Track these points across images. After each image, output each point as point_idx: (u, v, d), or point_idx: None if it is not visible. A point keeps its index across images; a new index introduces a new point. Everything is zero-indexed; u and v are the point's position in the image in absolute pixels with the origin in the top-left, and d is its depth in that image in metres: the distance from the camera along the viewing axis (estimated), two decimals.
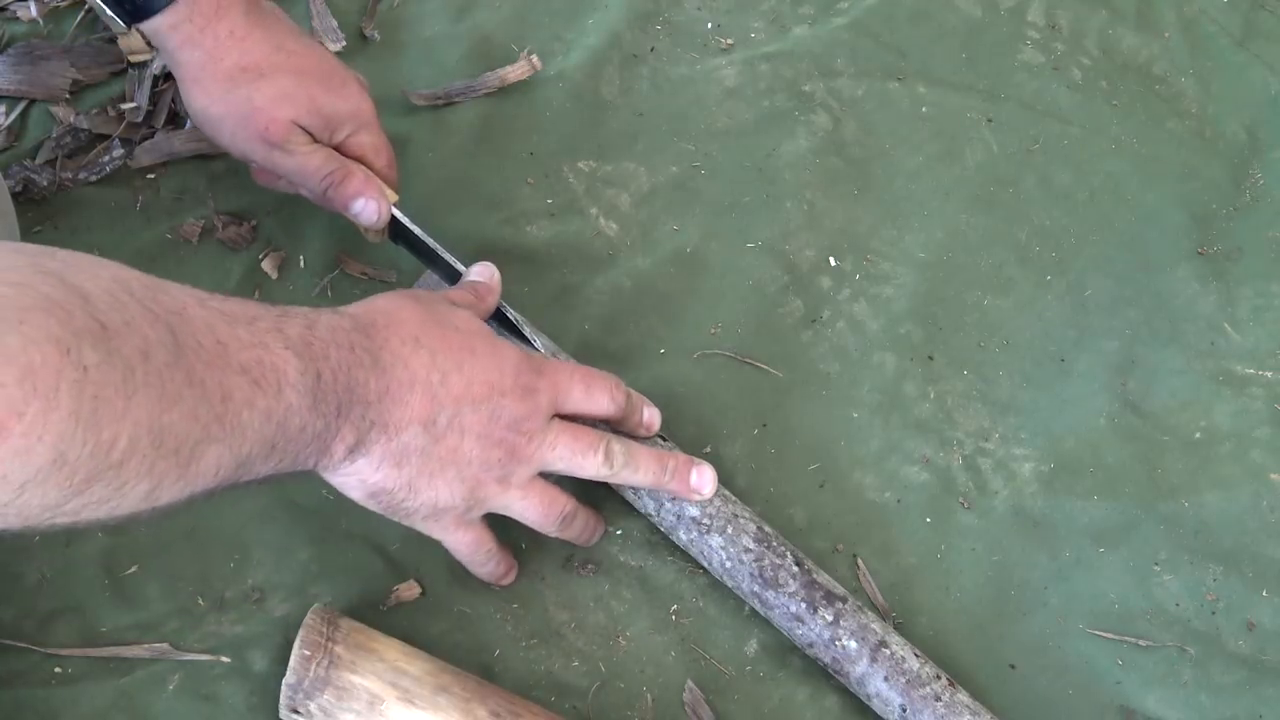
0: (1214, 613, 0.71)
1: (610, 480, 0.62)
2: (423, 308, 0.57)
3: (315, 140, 0.69)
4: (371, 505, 0.57)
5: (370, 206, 0.69)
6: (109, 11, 0.65)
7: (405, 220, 0.70)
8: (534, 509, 0.61)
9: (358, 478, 0.55)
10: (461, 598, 0.66)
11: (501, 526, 0.65)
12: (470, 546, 0.61)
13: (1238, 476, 0.75)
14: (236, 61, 0.66)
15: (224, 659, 0.63)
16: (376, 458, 0.55)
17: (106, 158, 0.77)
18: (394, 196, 0.71)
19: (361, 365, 0.52)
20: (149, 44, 0.79)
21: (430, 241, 0.70)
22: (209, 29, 0.65)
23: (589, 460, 0.60)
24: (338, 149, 0.70)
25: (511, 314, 0.68)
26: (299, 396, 0.49)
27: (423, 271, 0.74)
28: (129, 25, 0.65)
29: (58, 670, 0.62)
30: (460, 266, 0.68)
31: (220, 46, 0.66)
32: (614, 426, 0.64)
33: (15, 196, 0.74)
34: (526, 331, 0.68)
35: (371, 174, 0.70)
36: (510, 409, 0.57)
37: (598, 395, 0.61)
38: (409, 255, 0.73)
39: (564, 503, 0.62)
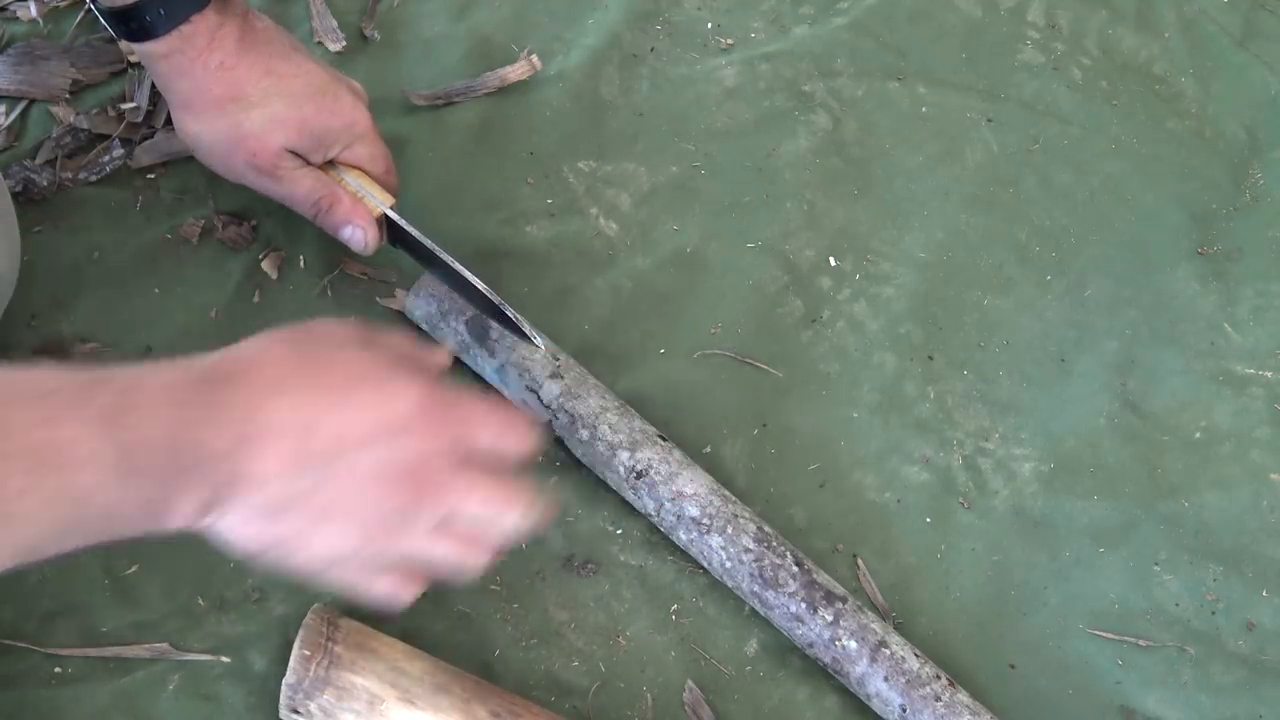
0: (1214, 613, 0.71)
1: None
2: (296, 350, 0.52)
3: (307, 163, 0.69)
4: (262, 561, 0.53)
5: (358, 235, 0.70)
6: (103, 21, 0.65)
7: (403, 224, 0.70)
8: (450, 553, 0.55)
9: (231, 534, 0.51)
10: (461, 598, 0.66)
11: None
12: (389, 591, 0.55)
13: (1238, 476, 0.75)
14: (225, 91, 0.66)
15: (224, 659, 0.63)
16: (244, 512, 0.50)
17: (106, 158, 0.77)
18: (391, 200, 0.71)
19: (199, 423, 0.48)
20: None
21: (429, 244, 0.70)
22: (200, 60, 0.65)
23: (507, 512, 0.54)
24: (335, 162, 0.70)
25: (511, 313, 0.68)
26: (98, 473, 0.45)
27: (421, 273, 0.74)
28: (120, 39, 0.65)
29: (58, 670, 0.62)
30: (459, 267, 0.68)
31: (210, 77, 0.66)
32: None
33: (15, 196, 0.74)
34: (527, 330, 0.68)
35: (359, 200, 0.70)
36: (408, 449, 0.52)
37: (509, 435, 0.55)
38: (409, 256, 0.73)
39: (484, 541, 0.55)
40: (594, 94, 0.85)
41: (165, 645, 0.63)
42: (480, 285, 0.67)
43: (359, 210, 0.70)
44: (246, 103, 0.66)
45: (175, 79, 0.66)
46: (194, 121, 0.67)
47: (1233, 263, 0.83)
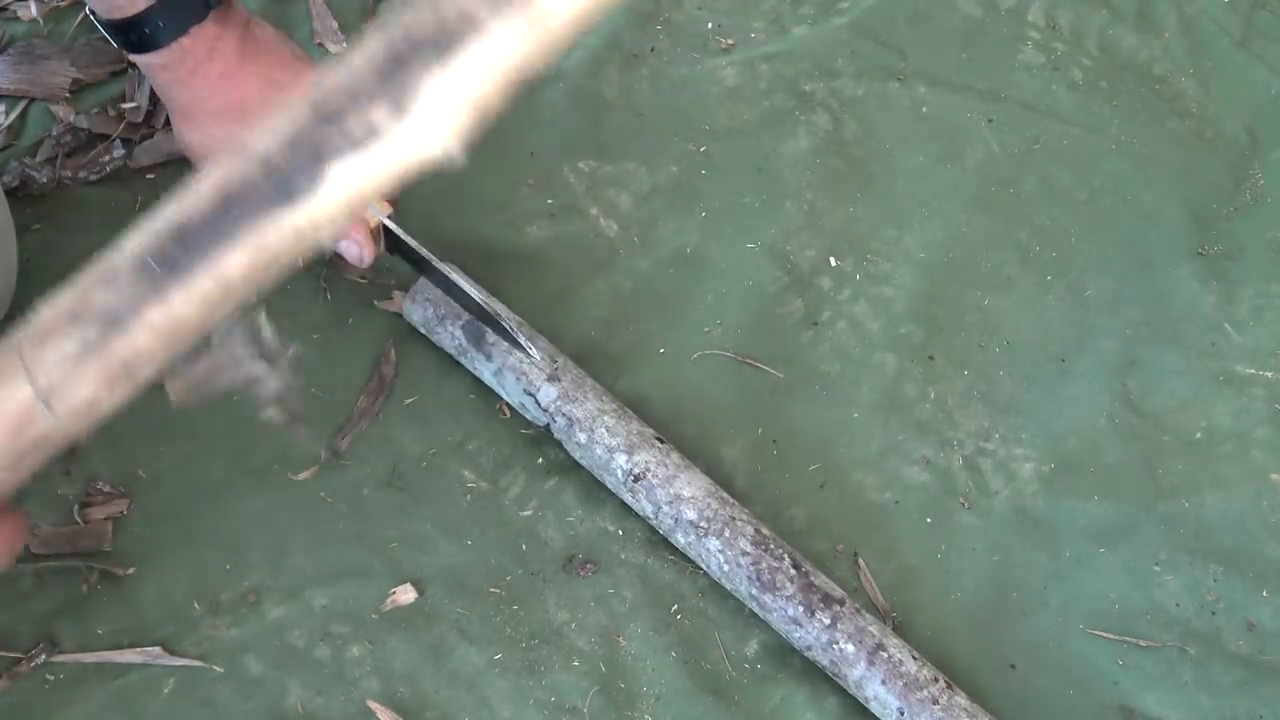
0: (1214, 613, 0.70)
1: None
2: None
3: None
4: None
5: (353, 250, 0.70)
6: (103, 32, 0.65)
7: (400, 232, 0.70)
8: None
9: None
10: (459, 600, 0.66)
11: (494, 541, 0.64)
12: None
13: (1238, 476, 0.75)
14: (225, 100, 0.66)
15: (216, 668, 0.63)
16: None
17: (106, 157, 0.77)
18: (388, 209, 0.71)
19: None
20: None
21: (424, 253, 0.70)
22: (200, 70, 0.65)
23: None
24: None
25: (507, 322, 0.67)
26: None
27: (417, 279, 0.74)
28: (120, 50, 0.65)
29: (50, 677, 0.62)
30: (456, 277, 0.68)
31: (210, 86, 0.65)
32: None
33: (13, 191, 0.74)
34: (522, 340, 0.68)
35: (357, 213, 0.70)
36: None
37: None
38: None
39: None
40: (594, 94, 0.85)
41: (158, 649, 0.63)
42: (476, 294, 0.67)
43: (355, 225, 0.69)
44: (245, 111, 0.66)
45: (174, 89, 0.66)
46: (191, 130, 0.67)
47: (1233, 263, 0.83)
